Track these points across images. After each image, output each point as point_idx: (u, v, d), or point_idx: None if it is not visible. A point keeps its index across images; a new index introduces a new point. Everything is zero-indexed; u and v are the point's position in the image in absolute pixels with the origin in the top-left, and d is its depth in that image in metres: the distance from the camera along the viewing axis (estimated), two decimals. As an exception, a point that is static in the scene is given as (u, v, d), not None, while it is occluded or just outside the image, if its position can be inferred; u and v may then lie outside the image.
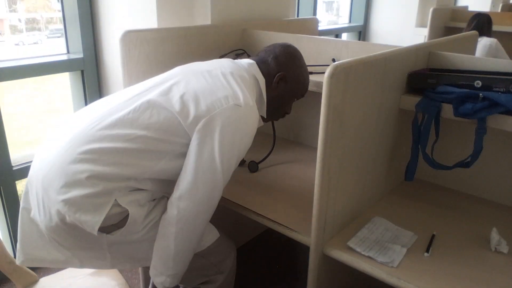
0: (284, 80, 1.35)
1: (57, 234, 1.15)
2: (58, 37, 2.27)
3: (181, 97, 1.18)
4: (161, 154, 1.16)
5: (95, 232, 1.10)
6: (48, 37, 2.37)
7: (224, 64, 1.33)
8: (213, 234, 1.34)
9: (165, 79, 1.26)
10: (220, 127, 1.15)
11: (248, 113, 1.21)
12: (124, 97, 1.22)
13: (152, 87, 1.23)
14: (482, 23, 3.29)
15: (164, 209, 1.20)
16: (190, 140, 1.16)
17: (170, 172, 1.18)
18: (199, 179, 1.14)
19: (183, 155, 1.17)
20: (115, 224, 1.14)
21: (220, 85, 1.22)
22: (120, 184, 1.12)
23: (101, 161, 1.11)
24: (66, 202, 1.08)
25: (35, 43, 2.35)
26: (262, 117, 1.40)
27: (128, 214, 1.13)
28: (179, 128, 1.15)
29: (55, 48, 2.17)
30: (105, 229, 1.13)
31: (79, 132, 1.15)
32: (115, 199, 1.12)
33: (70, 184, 1.09)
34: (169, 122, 1.16)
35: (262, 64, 1.36)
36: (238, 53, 1.87)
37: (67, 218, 1.09)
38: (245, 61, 1.36)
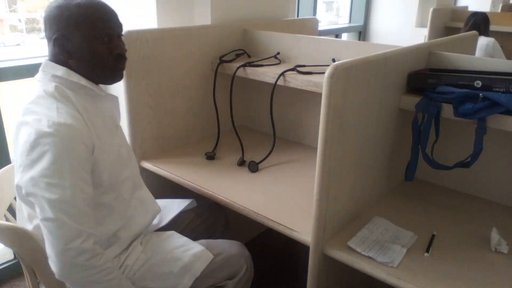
0: (64, 40, 1.11)
1: None
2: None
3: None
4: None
5: None
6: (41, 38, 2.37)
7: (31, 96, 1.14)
8: (206, 257, 1.31)
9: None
10: (33, 181, 1.04)
11: (51, 140, 1.03)
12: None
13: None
14: (478, 22, 3.30)
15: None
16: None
17: None
18: None
19: None
20: None
21: (22, 132, 1.08)
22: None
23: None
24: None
25: (17, 44, 2.33)
26: (102, 82, 1.21)
27: None
28: None
29: (36, 50, 2.17)
30: None
31: None
32: None
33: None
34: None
35: (50, 51, 1.16)
36: (238, 53, 1.87)
37: None
38: (40, 68, 1.16)
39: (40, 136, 1.02)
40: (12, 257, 2.04)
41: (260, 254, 2.22)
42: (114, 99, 1.26)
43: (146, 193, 1.38)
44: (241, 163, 1.67)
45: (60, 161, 1.02)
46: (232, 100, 1.72)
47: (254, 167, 1.64)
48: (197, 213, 1.59)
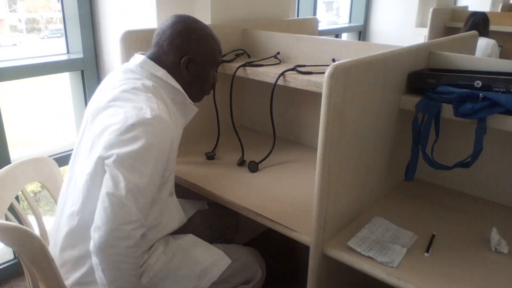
0: (192, 63, 1.25)
1: None
2: (49, 37, 2.28)
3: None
4: None
5: None
6: (48, 37, 2.37)
7: (115, 82, 1.21)
8: (224, 261, 1.33)
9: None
10: (119, 157, 1.07)
11: (150, 128, 1.09)
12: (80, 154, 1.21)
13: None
14: (478, 22, 3.30)
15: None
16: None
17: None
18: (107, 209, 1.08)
19: None
20: None
21: (114, 113, 1.13)
22: None
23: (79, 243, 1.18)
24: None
25: (13, 45, 2.32)
26: (191, 99, 1.31)
27: None
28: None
29: (33, 50, 2.16)
30: None
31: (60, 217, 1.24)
32: None
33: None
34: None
35: (159, 55, 1.24)
36: (238, 53, 1.87)
37: None
38: (137, 63, 1.22)
39: (140, 122, 1.08)
40: (12, 257, 2.04)
41: (260, 254, 2.22)
42: (193, 111, 1.33)
43: (176, 200, 1.39)
44: (241, 163, 1.67)
45: (150, 150, 1.08)
46: (232, 100, 1.72)
47: (254, 167, 1.64)
48: (203, 217, 1.60)
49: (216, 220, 1.64)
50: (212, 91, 1.78)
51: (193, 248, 1.34)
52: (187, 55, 1.23)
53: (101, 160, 1.10)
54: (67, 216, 1.20)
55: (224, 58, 1.79)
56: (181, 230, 1.45)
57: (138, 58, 1.23)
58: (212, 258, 1.32)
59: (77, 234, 1.18)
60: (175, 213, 1.37)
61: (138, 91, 1.15)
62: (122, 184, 1.06)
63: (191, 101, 1.30)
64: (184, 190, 1.56)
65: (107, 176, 1.08)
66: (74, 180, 1.21)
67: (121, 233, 1.07)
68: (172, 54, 1.23)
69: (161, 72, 1.22)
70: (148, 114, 1.09)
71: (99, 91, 1.26)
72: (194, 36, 1.24)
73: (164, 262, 1.27)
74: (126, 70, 1.23)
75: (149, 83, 1.19)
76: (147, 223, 1.16)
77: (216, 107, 1.82)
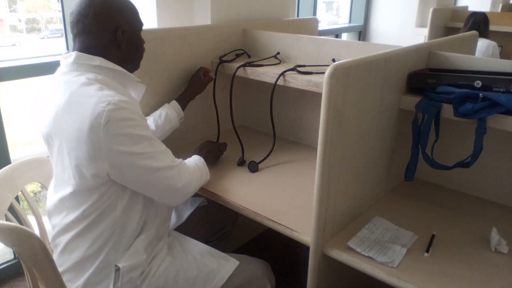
0: (125, 33, 1.20)
1: None
2: (48, 38, 2.27)
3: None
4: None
5: None
6: (48, 37, 2.37)
7: (59, 90, 1.16)
8: (231, 263, 1.32)
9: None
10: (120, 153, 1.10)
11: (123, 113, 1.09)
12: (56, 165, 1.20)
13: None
14: (478, 22, 3.29)
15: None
16: None
17: None
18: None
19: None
20: None
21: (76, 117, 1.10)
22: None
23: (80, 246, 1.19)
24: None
25: (13, 45, 2.31)
26: (136, 69, 1.30)
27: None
28: None
29: (32, 50, 2.15)
30: None
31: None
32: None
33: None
34: None
35: (90, 41, 1.17)
36: (238, 53, 1.87)
37: None
38: (71, 61, 1.16)
39: (111, 115, 1.06)
40: (12, 257, 2.04)
41: (260, 254, 2.22)
42: (142, 88, 1.31)
43: None
44: (241, 163, 1.67)
45: (135, 125, 1.10)
46: (232, 100, 1.72)
47: (254, 167, 1.64)
48: (203, 211, 1.61)
49: (215, 214, 1.65)
50: (212, 91, 1.79)
51: (197, 250, 1.34)
52: (119, 27, 1.18)
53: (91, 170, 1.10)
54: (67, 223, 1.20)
55: (224, 58, 1.80)
56: (183, 226, 1.46)
57: (69, 56, 1.16)
58: (219, 260, 1.31)
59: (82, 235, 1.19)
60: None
61: (85, 85, 1.11)
62: (142, 163, 1.11)
63: (138, 79, 1.26)
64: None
65: (129, 173, 1.12)
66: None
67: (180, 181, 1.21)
68: (105, 33, 1.17)
69: (98, 60, 1.16)
70: (111, 105, 1.06)
71: (47, 107, 1.18)
72: (116, 6, 1.19)
73: (168, 265, 1.27)
74: (63, 73, 1.16)
75: (91, 76, 1.14)
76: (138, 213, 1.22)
77: (216, 107, 1.82)
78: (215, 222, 1.68)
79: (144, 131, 1.12)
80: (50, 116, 1.13)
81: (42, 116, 1.19)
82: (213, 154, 1.60)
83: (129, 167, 1.10)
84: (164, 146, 1.20)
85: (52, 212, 1.22)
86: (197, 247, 1.36)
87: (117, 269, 1.18)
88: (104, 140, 1.05)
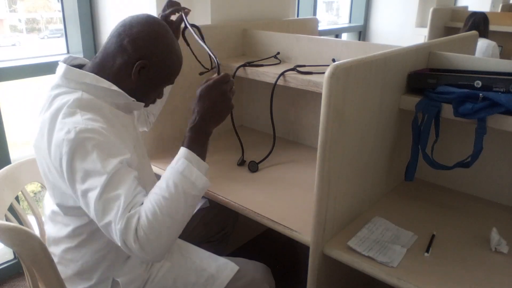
0: (146, 69, 1.10)
1: None
2: (49, 38, 2.27)
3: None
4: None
5: None
6: (48, 37, 2.37)
7: (44, 103, 1.10)
8: (231, 268, 1.28)
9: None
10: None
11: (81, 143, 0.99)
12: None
13: None
14: (478, 22, 3.30)
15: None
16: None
17: None
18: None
19: None
20: None
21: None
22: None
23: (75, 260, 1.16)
24: None
25: (13, 45, 2.31)
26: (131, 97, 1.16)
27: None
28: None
29: (33, 50, 2.14)
30: None
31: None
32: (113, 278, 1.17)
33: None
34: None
35: (110, 52, 1.10)
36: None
37: None
38: (60, 74, 1.09)
39: (71, 145, 0.98)
40: (12, 257, 2.04)
41: (260, 254, 2.22)
42: (139, 106, 1.19)
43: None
44: (241, 163, 1.67)
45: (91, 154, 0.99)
46: (232, 100, 1.72)
47: (254, 167, 1.64)
48: (203, 213, 1.61)
49: (216, 215, 1.65)
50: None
51: (196, 255, 1.32)
52: (146, 60, 1.08)
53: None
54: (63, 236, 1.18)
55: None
56: (186, 230, 1.45)
57: (59, 68, 1.09)
58: (218, 265, 1.29)
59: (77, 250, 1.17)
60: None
61: (61, 113, 1.03)
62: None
63: (133, 99, 1.14)
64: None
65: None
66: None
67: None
68: (128, 53, 1.08)
69: (89, 77, 1.08)
70: (72, 134, 0.98)
71: (36, 118, 1.13)
72: (161, 46, 1.10)
73: (167, 271, 1.25)
74: (53, 86, 1.10)
75: (77, 95, 1.05)
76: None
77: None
78: (215, 223, 1.67)
79: (100, 164, 0.97)
80: (36, 130, 1.09)
81: (34, 124, 1.14)
82: (219, 107, 1.11)
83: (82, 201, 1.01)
84: (120, 189, 0.97)
85: (47, 218, 1.21)
86: (196, 252, 1.35)
87: (116, 282, 1.17)
88: (64, 168, 1.00)
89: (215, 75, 1.12)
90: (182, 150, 1.06)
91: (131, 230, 0.94)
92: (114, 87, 1.09)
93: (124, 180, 0.99)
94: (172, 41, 1.14)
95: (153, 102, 1.22)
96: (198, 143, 1.08)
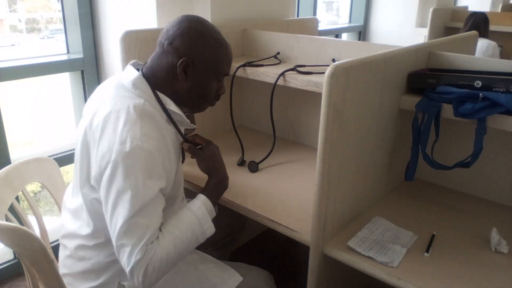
0: (191, 67, 1.11)
1: None
2: (48, 37, 2.27)
3: None
4: None
5: None
6: (48, 37, 2.37)
7: (106, 97, 1.13)
8: (235, 278, 1.28)
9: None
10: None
11: (130, 163, 1.01)
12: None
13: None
14: (478, 22, 3.30)
15: None
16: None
17: None
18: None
19: None
20: None
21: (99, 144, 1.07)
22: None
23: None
24: None
25: (12, 45, 2.31)
26: (191, 109, 1.23)
27: None
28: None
29: (32, 50, 2.14)
30: None
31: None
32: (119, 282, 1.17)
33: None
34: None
35: (157, 58, 1.14)
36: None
37: None
38: (130, 79, 1.13)
39: (119, 158, 1.01)
40: (12, 257, 2.04)
41: (260, 254, 2.22)
42: (191, 127, 1.22)
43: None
44: (241, 163, 1.67)
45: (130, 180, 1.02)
46: (232, 100, 1.72)
47: (254, 167, 1.64)
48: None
49: (223, 218, 1.64)
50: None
51: (201, 263, 1.31)
52: (186, 57, 1.10)
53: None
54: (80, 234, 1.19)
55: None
56: None
57: (132, 73, 1.13)
58: (222, 275, 1.28)
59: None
60: None
61: (123, 114, 1.05)
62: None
63: (187, 121, 1.18)
64: (185, 191, 1.56)
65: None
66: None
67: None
68: (171, 56, 1.11)
69: (151, 94, 1.12)
70: (127, 147, 1.00)
71: (91, 103, 1.17)
72: (198, 38, 1.11)
73: (171, 275, 1.24)
74: (119, 85, 1.13)
75: (139, 101, 1.09)
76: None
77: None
78: (223, 227, 1.64)
79: (141, 187, 1.01)
80: (87, 119, 1.10)
81: (85, 111, 1.17)
82: (223, 175, 1.28)
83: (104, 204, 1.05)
84: (152, 217, 1.03)
85: (68, 211, 1.22)
86: (201, 258, 1.33)
87: (121, 286, 1.17)
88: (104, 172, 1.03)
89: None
90: (203, 198, 1.18)
91: (144, 264, 1.01)
92: (174, 107, 1.13)
93: (155, 212, 1.05)
94: (211, 31, 1.13)
95: (215, 99, 1.22)
96: (217, 196, 1.24)
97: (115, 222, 1.01)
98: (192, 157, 1.23)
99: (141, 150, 1.01)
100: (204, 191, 1.20)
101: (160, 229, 1.06)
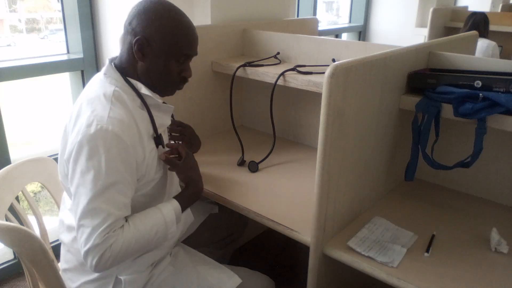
0: (145, 45, 1.10)
1: None
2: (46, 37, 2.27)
3: None
4: None
5: None
6: (48, 37, 2.37)
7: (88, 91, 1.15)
8: (233, 280, 1.27)
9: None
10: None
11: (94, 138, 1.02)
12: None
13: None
14: (478, 22, 3.30)
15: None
16: None
17: None
18: None
19: None
20: None
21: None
22: None
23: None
24: None
25: (8, 45, 2.31)
26: (159, 93, 1.20)
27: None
28: None
29: (29, 50, 2.14)
30: None
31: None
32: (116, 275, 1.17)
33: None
34: None
35: (122, 46, 1.16)
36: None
37: None
38: (103, 70, 1.16)
39: (84, 139, 1.03)
40: (12, 257, 2.04)
41: (260, 254, 2.22)
42: (168, 109, 1.22)
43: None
44: (241, 163, 1.67)
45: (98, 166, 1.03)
46: (232, 100, 1.72)
47: (254, 167, 1.64)
48: (213, 218, 1.60)
49: (224, 219, 1.64)
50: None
51: (201, 263, 1.31)
52: (141, 36, 1.08)
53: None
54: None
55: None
56: (194, 233, 1.45)
57: (105, 65, 1.16)
58: (220, 276, 1.27)
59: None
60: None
61: (95, 102, 1.08)
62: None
63: (159, 100, 1.17)
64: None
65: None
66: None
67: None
68: (129, 36, 1.11)
69: (120, 80, 1.13)
70: (92, 129, 1.02)
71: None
72: (154, 17, 1.09)
73: (170, 274, 1.25)
74: (95, 79, 1.17)
75: (110, 89, 1.10)
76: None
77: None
78: (224, 228, 1.65)
79: (104, 169, 1.01)
80: (67, 117, 1.14)
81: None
82: (201, 187, 1.28)
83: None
84: (117, 201, 1.04)
85: (66, 207, 1.22)
86: (201, 259, 1.34)
87: (118, 280, 1.18)
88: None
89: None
90: (176, 205, 1.17)
91: (101, 249, 1.01)
92: (145, 90, 1.13)
93: (119, 200, 1.04)
94: (168, 11, 1.11)
95: (184, 80, 1.19)
96: (188, 205, 1.24)
97: (77, 201, 1.02)
98: (170, 169, 1.22)
99: (106, 132, 1.02)
100: (178, 197, 1.20)
101: (126, 220, 1.07)
